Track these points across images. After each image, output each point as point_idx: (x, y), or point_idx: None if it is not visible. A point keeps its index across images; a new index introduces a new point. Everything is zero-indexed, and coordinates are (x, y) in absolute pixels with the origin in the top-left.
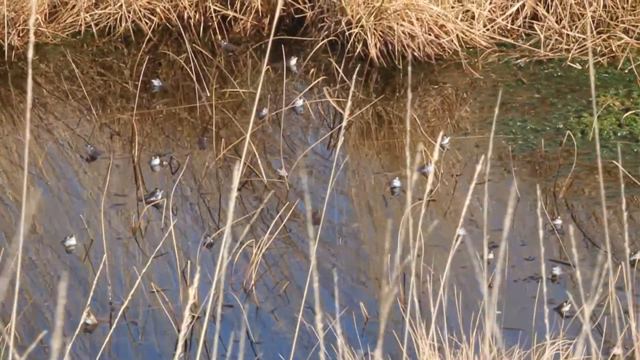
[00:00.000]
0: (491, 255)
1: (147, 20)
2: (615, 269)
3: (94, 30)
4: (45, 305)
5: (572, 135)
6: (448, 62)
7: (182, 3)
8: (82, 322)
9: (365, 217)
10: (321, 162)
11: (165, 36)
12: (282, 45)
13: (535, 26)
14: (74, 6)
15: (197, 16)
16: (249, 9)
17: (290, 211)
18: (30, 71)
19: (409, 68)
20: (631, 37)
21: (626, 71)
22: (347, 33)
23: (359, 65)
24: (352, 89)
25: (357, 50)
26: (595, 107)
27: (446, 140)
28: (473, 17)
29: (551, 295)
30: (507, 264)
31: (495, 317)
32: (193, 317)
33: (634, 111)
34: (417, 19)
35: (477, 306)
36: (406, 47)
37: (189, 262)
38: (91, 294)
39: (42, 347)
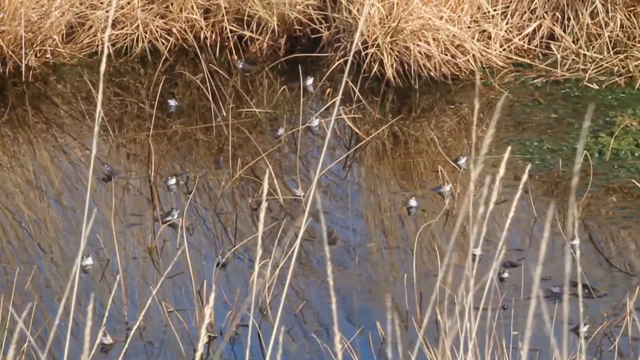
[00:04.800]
0: (506, 274)
1: (163, 41)
2: (634, 289)
3: (111, 50)
4: (61, 325)
5: (588, 156)
6: (464, 82)
7: (198, 23)
8: (98, 341)
9: (381, 237)
10: (337, 181)
11: (181, 56)
12: (299, 65)
13: (552, 46)
14: (90, 27)
15: (213, 36)
16: (265, 29)
17: (303, 229)
18: None
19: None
20: None
21: None
22: (363, 53)
23: (375, 84)
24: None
25: (374, 70)
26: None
27: (463, 160)
28: (489, 37)
29: (569, 316)
30: (524, 283)
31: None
32: (210, 336)
33: None
34: (434, 39)
35: (492, 326)
36: (422, 67)
37: (204, 282)
38: (107, 313)
39: None
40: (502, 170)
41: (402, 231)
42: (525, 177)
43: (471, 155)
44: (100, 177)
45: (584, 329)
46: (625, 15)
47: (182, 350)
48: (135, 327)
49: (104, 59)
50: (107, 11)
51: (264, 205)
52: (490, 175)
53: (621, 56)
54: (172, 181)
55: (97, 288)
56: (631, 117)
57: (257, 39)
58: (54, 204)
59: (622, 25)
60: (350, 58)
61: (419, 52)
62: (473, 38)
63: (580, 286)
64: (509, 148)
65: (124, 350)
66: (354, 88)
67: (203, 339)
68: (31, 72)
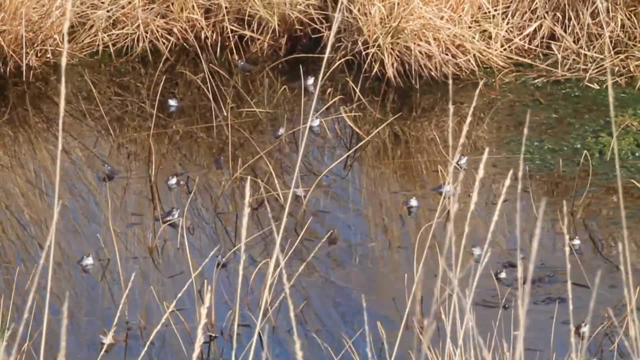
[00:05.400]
0: (503, 274)
1: (164, 40)
2: (635, 289)
3: (112, 50)
4: (60, 325)
5: (589, 156)
6: (465, 81)
7: (199, 23)
8: (108, 342)
9: (382, 237)
10: (338, 181)
11: (182, 56)
12: (299, 65)
13: (552, 46)
14: (91, 26)
15: (214, 36)
16: (265, 28)
17: (304, 229)
18: None
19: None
20: None
21: None
22: (364, 53)
23: (375, 84)
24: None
25: (374, 70)
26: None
27: (463, 160)
28: (490, 37)
29: (570, 316)
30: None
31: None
32: (210, 336)
33: None
34: (434, 39)
35: (493, 326)
36: (423, 67)
37: (205, 281)
38: (107, 313)
39: None
40: (481, 172)
41: (402, 231)
42: (507, 182)
43: (471, 154)
44: (100, 176)
45: (584, 329)
46: (626, 15)
47: (182, 350)
48: (139, 327)
49: (64, 61)
50: (62, 15)
51: (247, 210)
52: (491, 176)
53: (622, 56)
54: (173, 181)
55: (98, 287)
56: (632, 117)
57: (258, 39)
58: (54, 203)
59: (622, 25)
60: (328, 49)
61: (420, 52)
62: (474, 38)
63: (569, 284)
64: (487, 150)
65: (125, 351)
66: (355, 88)
67: (200, 339)
68: (32, 71)
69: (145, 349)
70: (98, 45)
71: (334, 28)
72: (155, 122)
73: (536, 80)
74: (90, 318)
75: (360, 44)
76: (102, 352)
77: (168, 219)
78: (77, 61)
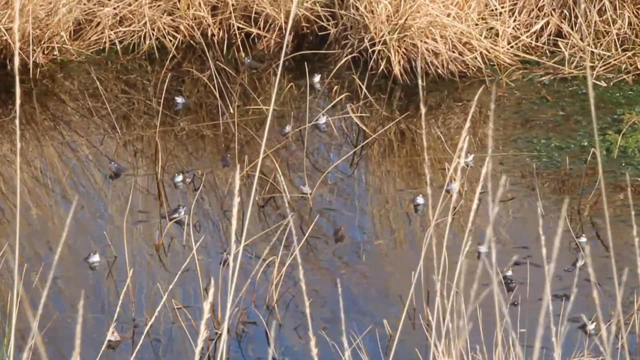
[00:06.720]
0: (510, 272)
1: (170, 38)
2: None
3: (118, 47)
4: (68, 322)
5: (596, 153)
6: (472, 79)
7: (205, 20)
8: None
9: (388, 235)
10: (344, 179)
11: (188, 53)
12: (305, 63)
13: (559, 43)
14: (98, 24)
15: (220, 33)
16: (272, 26)
17: (311, 227)
18: None
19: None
20: None
21: None
22: (370, 50)
23: (382, 82)
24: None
25: (381, 68)
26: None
27: (470, 157)
28: (497, 35)
29: (576, 314)
30: (531, 281)
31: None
32: (216, 333)
33: None
34: (441, 37)
35: (500, 324)
36: (430, 65)
37: (211, 279)
38: (114, 310)
39: None
40: (462, 156)
41: (409, 228)
42: (489, 177)
43: (478, 152)
44: (107, 174)
45: (591, 327)
46: (633, 12)
47: (189, 346)
48: (145, 324)
49: (17, 60)
50: (69, 12)
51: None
52: (498, 174)
53: (629, 53)
54: (179, 178)
55: (104, 285)
56: (639, 114)
57: (265, 36)
58: (60, 200)
59: (630, 23)
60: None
61: (427, 50)
62: (481, 35)
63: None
64: (464, 134)
65: (131, 348)
66: (361, 85)
67: (203, 334)
68: (39, 69)
69: (152, 346)
70: (105, 42)
71: (292, 14)
72: (161, 120)
73: (543, 78)
74: (97, 315)
75: (366, 41)
76: (108, 349)
77: (174, 216)
78: (83, 58)
